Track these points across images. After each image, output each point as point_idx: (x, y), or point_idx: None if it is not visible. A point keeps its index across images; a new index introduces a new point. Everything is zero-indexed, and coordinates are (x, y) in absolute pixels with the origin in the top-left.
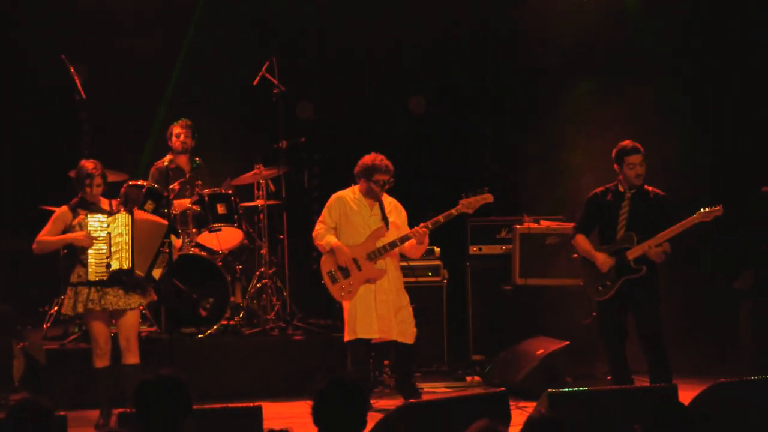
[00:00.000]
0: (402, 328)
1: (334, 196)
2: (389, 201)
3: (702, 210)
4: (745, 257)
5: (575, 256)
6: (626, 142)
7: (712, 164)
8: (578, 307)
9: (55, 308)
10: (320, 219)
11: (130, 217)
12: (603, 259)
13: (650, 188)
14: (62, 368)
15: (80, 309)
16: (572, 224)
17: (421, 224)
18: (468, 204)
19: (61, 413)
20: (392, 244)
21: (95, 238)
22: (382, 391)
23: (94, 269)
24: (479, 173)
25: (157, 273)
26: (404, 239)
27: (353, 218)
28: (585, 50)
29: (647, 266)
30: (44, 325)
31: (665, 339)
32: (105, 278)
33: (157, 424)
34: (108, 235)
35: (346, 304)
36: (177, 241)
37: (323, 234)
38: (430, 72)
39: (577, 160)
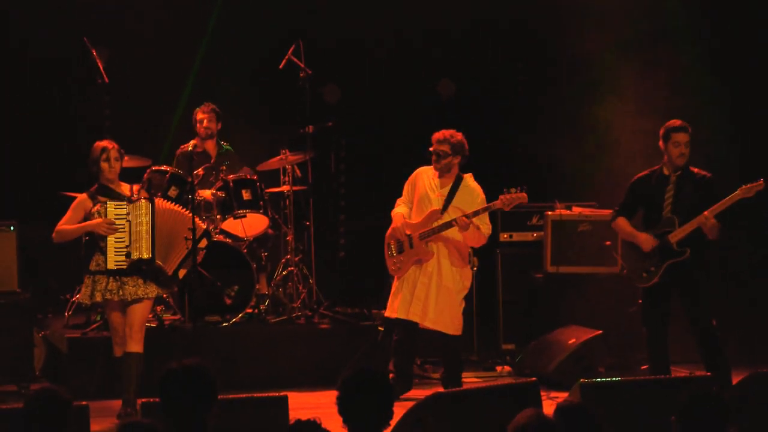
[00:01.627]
0: (438, 315)
1: (415, 172)
2: (467, 185)
3: (744, 186)
4: None
5: (608, 243)
6: (674, 121)
7: (740, 151)
8: (611, 295)
9: (77, 296)
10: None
11: (150, 205)
12: (645, 238)
13: (696, 170)
14: (84, 357)
15: (98, 298)
16: (606, 210)
17: (462, 214)
18: (506, 200)
19: (83, 403)
20: (439, 228)
21: (115, 226)
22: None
23: (113, 257)
24: (508, 158)
25: (182, 273)
26: (447, 225)
27: (422, 196)
28: (614, 32)
29: (692, 249)
30: (66, 314)
31: (716, 324)
32: (124, 267)
33: (182, 414)
34: (128, 223)
35: (395, 281)
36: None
37: (397, 204)
38: (458, 55)
39: (610, 145)
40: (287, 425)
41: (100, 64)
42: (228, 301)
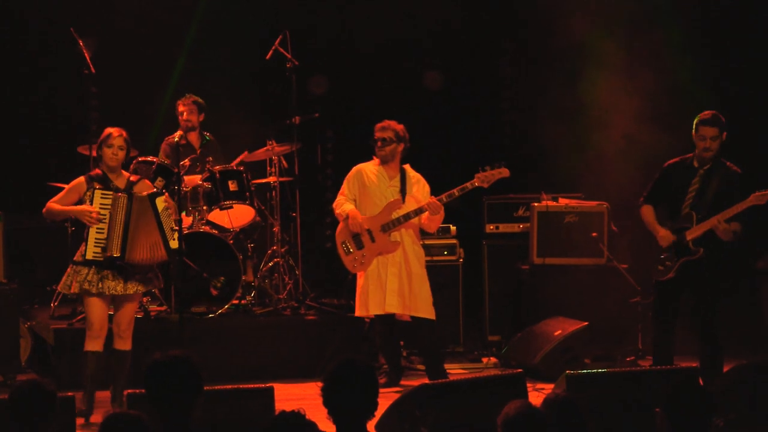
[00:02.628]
0: (415, 301)
1: (353, 168)
2: (412, 175)
3: (756, 193)
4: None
5: (594, 234)
6: (706, 112)
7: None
8: (597, 286)
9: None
10: (340, 191)
11: (126, 199)
12: (663, 234)
13: (728, 163)
14: (70, 348)
15: (75, 289)
16: (593, 202)
17: (435, 197)
18: (484, 178)
19: (69, 394)
20: (406, 216)
21: (100, 215)
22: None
23: (92, 248)
24: (496, 149)
25: (174, 244)
26: (418, 212)
27: (371, 189)
28: (603, 23)
29: (707, 248)
30: (52, 304)
31: (717, 326)
32: (100, 259)
33: (168, 405)
34: (109, 215)
35: (359, 279)
36: (187, 219)
37: (341, 203)
38: (446, 46)
39: (598, 137)
40: (273, 416)
41: (87, 54)
42: (214, 292)
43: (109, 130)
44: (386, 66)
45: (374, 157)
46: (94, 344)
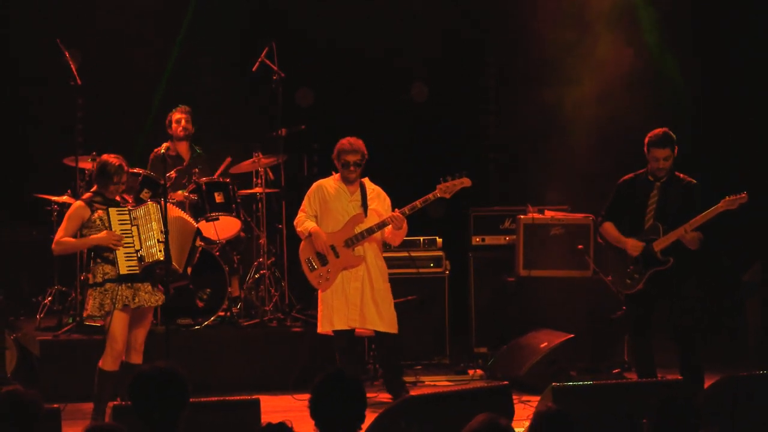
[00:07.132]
0: (379, 316)
1: (314, 184)
2: (372, 188)
3: (727, 198)
4: (753, 249)
5: (580, 246)
6: (657, 131)
7: (711, 154)
8: (583, 298)
9: (49, 299)
10: (301, 207)
11: (158, 207)
12: (633, 243)
13: (682, 175)
14: (56, 360)
15: (108, 308)
16: (579, 214)
17: (397, 210)
18: (445, 189)
19: (55, 406)
20: (370, 230)
21: (124, 239)
22: (382, 385)
23: (124, 263)
24: (481, 161)
25: (189, 270)
26: (381, 225)
27: (332, 205)
28: (587, 36)
29: (676, 258)
30: (37, 316)
31: (696, 332)
32: (137, 272)
33: (154, 417)
34: (136, 228)
35: (321, 294)
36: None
37: (303, 220)
38: (430, 59)
39: (583, 149)
40: (259, 428)
41: (72, 66)
42: (200, 304)
43: (115, 162)
44: (372, 78)
45: (333, 173)
46: (115, 363)
